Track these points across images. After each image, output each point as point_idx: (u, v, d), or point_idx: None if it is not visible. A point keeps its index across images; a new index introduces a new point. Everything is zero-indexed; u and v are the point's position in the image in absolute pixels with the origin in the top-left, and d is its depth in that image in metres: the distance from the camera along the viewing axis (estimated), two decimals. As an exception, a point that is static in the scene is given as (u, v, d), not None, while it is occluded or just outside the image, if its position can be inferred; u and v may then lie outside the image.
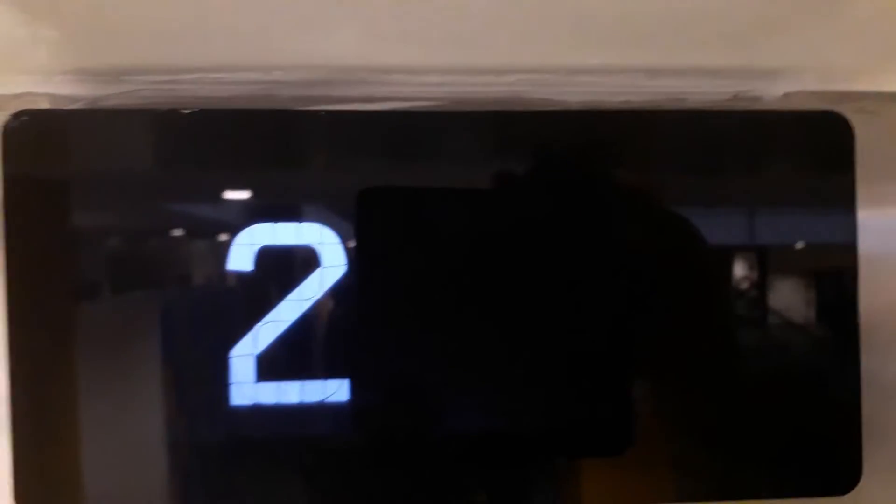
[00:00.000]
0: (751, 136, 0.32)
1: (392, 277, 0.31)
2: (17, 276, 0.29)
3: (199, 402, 0.30)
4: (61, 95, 0.30)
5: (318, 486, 0.31)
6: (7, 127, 0.29)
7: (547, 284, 0.31)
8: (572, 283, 0.31)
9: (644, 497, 0.32)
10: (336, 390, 0.30)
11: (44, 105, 0.30)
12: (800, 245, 0.32)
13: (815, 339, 0.32)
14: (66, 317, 0.30)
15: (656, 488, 0.32)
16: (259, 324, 0.30)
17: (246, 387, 0.30)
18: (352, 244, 0.30)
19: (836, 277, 0.32)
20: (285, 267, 0.30)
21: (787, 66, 0.32)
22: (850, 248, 0.32)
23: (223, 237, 0.30)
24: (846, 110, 0.31)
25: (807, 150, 0.32)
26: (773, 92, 0.32)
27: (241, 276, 0.30)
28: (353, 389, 0.30)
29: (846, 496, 0.32)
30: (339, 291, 0.30)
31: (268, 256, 0.30)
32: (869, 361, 0.32)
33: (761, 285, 0.32)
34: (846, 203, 0.32)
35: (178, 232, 0.30)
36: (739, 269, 0.32)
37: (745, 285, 0.32)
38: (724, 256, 0.32)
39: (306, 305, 0.30)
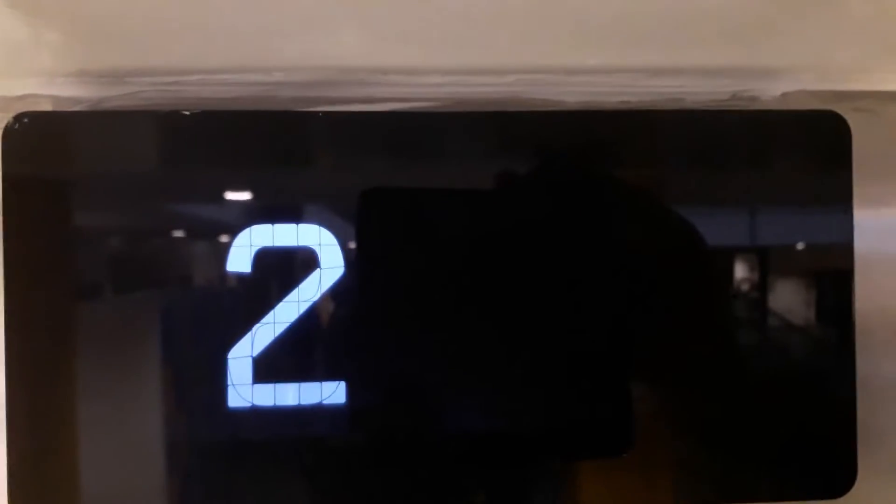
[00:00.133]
0: (749, 136, 0.32)
1: (392, 278, 0.31)
2: (15, 277, 0.29)
3: (197, 403, 0.30)
4: (64, 97, 0.31)
5: (317, 488, 0.31)
6: (7, 128, 0.29)
7: (545, 284, 0.31)
8: (570, 283, 0.31)
9: (642, 498, 0.32)
10: (334, 391, 0.30)
11: (46, 107, 0.30)
12: (796, 245, 0.32)
13: (812, 340, 0.32)
14: (64, 317, 0.29)
15: (654, 490, 0.32)
16: (257, 325, 0.30)
17: (243, 388, 0.30)
18: (351, 245, 0.30)
19: (832, 278, 0.32)
20: (284, 268, 0.30)
21: (784, 65, 0.32)
22: (847, 249, 0.32)
23: (223, 238, 0.30)
24: (844, 110, 0.31)
25: (804, 149, 0.32)
26: (771, 92, 0.32)
27: (239, 277, 0.30)
28: (352, 390, 0.30)
29: (842, 498, 0.32)
30: (338, 293, 0.30)
31: (266, 258, 0.30)
32: (865, 363, 0.32)
33: (758, 285, 0.32)
34: (843, 203, 0.32)
35: (178, 233, 0.30)
36: (736, 269, 0.32)
37: (741, 285, 0.32)
38: (722, 256, 0.32)
39: (305, 307, 0.30)
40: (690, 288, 0.32)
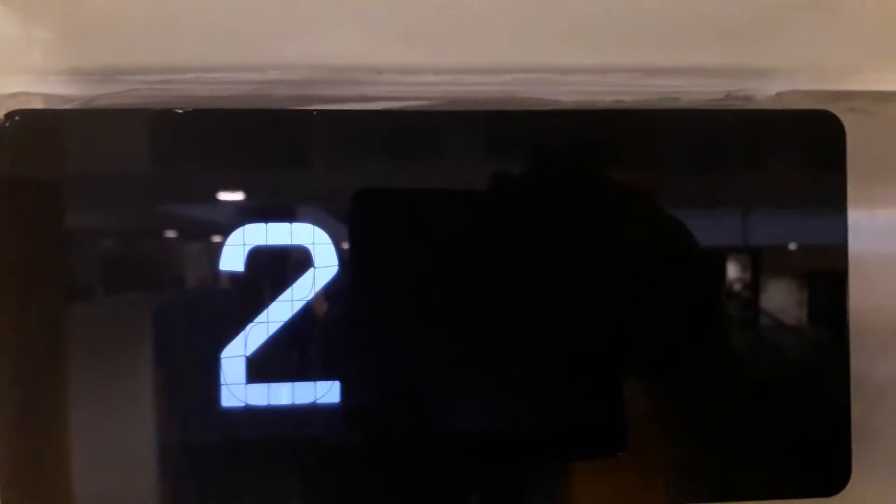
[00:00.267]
0: (743, 136, 0.32)
1: (386, 277, 0.30)
2: (6, 277, 0.29)
3: (191, 402, 0.30)
4: (55, 95, 0.30)
5: (311, 487, 0.30)
6: (-2, 126, 0.29)
7: (539, 284, 0.31)
8: (564, 283, 0.31)
9: (638, 497, 0.32)
10: (328, 391, 0.30)
11: (38, 105, 0.30)
12: (790, 245, 0.32)
13: (806, 340, 0.32)
14: (56, 316, 0.29)
15: (649, 489, 0.32)
16: (251, 324, 0.30)
17: (237, 387, 0.30)
18: (345, 245, 0.30)
19: (826, 278, 0.32)
20: (278, 267, 0.30)
21: (779, 65, 0.32)
22: (842, 249, 0.32)
23: (216, 238, 0.30)
24: (839, 110, 0.31)
25: (799, 149, 0.33)
26: (766, 91, 0.32)
27: (233, 276, 0.30)
28: (346, 390, 0.30)
29: (835, 497, 0.32)
30: (332, 292, 0.30)
31: (260, 257, 0.30)
32: (860, 362, 0.32)
33: (752, 285, 0.32)
34: (837, 203, 0.32)
35: (170, 232, 0.30)
36: (730, 269, 0.32)
37: (735, 285, 0.32)
38: (716, 256, 0.32)
39: (299, 306, 0.30)
40: (685, 288, 0.32)
